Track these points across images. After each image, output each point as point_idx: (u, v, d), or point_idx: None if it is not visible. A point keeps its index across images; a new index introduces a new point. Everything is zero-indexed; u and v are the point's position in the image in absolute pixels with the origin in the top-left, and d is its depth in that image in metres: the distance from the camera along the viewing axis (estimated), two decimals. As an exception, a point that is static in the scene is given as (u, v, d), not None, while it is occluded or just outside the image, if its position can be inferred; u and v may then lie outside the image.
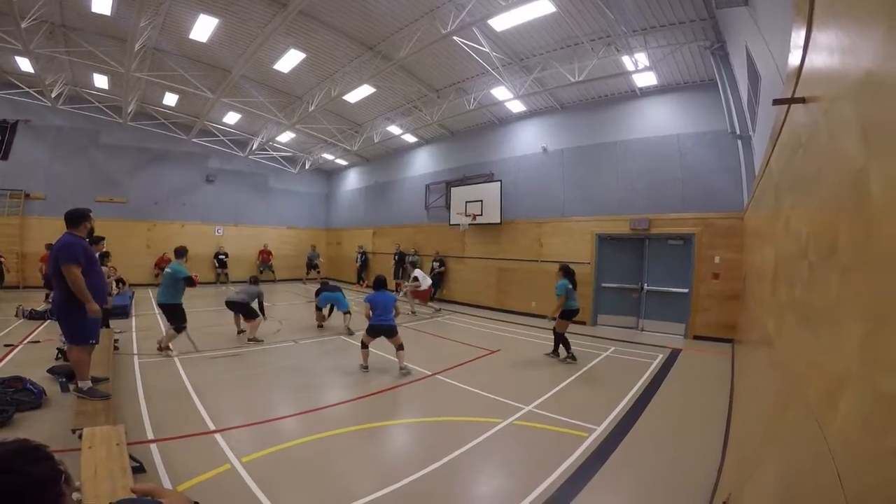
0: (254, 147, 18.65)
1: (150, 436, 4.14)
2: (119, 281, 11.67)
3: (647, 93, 10.53)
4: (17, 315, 9.44)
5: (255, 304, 8.49)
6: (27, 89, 13.89)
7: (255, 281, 8.99)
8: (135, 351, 7.28)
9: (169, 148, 17.89)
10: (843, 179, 1.14)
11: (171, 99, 15.36)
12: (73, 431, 3.50)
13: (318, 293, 9.91)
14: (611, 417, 4.95)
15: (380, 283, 7.02)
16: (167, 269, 7.16)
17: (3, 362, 6.23)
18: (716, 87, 8.57)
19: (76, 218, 4.48)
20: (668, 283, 9.98)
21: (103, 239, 6.87)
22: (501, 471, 3.81)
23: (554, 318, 7.61)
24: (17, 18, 8.60)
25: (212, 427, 4.41)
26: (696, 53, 8.84)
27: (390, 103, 14.20)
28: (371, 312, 6.64)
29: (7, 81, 13.90)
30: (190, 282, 7.08)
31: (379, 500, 3.23)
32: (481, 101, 12.19)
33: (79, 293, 4.19)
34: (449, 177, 15.64)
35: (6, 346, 7.08)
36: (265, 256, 19.60)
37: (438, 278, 14.64)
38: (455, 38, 9.14)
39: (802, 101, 1.81)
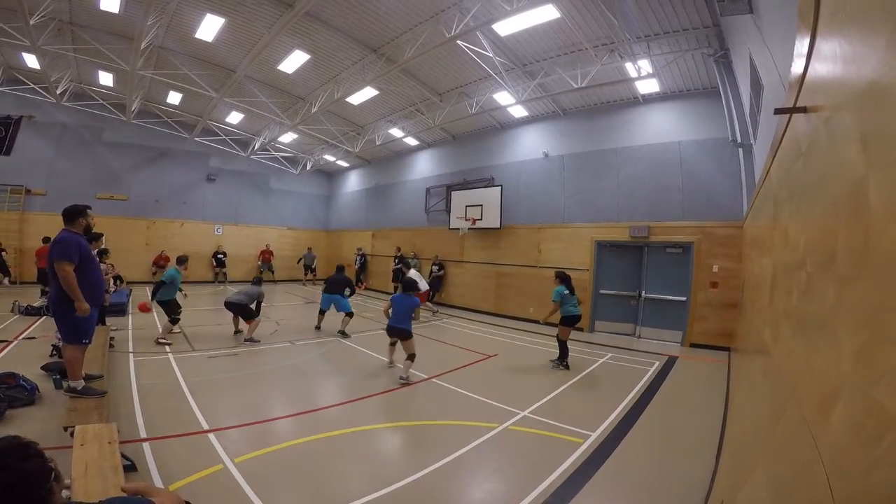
0: (256, 147, 18.68)
1: (143, 434, 4.12)
2: (117, 278, 11.65)
3: (649, 99, 10.56)
4: (12, 311, 9.41)
5: (253, 306, 8.45)
6: (33, 85, 13.94)
7: (258, 282, 8.91)
8: (130, 349, 7.26)
9: (171, 146, 17.92)
10: (842, 189, 1.13)
11: (174, 97, 15.40)
12: (66, 429, 3.48)
13: (323, 292, 9.72)
14: (606, 424, 4.93)
15: (408, 286, 6.96)
16: (165, 273, 8.04)
17: (-1, 357, 6.20)
18: (718, 94, 8.59)
19: (72, 214, 4.43)
20: (666, 290, 9.97)
21: (102, 235, 6.85)
22: (496, 475, 3.79)
23: (547, 322, 7.66)
24: (26, 15, 8.63)
25: (205, 427, 4.39)
26: (700, 61, 8.88)
27: (393, 106, 14.23)
28: (390, 313, 6.68)
29: (13, 77, 13.94)
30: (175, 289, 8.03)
31: (372, 502, 3.21)
32: (483, 106, 12.22)
33: (69, 291, 4.14)
34: (450, 180, 15.66)
35: (1, 341, 7.06)
36: (266, 256, 19.59)
37: (437, 282, 14.64)
38: (459, 42, 9.16)
39: (804, 110, 1.81)
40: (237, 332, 8.55)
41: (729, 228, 8.86)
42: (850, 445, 0.81)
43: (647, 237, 10.14)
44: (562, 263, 11.39)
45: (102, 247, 7.27)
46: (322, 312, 9.71)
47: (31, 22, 8.88)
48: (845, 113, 1.18)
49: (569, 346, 7.52)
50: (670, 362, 8.02)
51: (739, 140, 7.88)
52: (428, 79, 12.23)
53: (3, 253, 12.85)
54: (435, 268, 14.82)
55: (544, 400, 5.70)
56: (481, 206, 13.53)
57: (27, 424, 4.12)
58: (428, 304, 12.55)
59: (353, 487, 3.41)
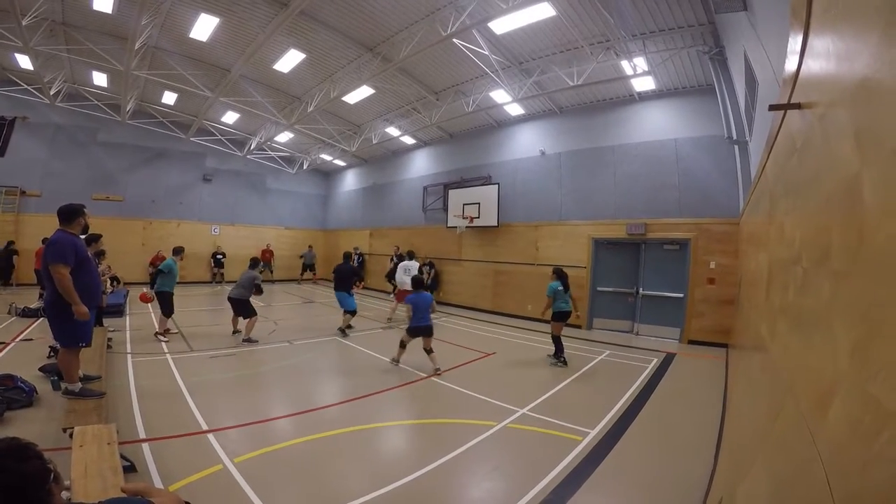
0: (252, 147, 18.63)
1: (142, 435, 4.12)
2: (114, 279, 11.61)
3: (645, 97, 10.58)
4: (9, 312, 9.38)
5: (252, 298, 8.40)
6: (26, 86, 13.85)
7: (254, 264, 8.80)
8: (128, 350, 7.24)
9: (167, 146, 17.85)
10: (836, 185, 1.14)
11: (169, 97, 15.33)
12: (65, 430, 3.47)
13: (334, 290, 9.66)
14: (605, 421, 4.95)
15: (418, 284, 6.99)
16: (163, 263, 8.27)
17: (-5, 360, 6.18)
18: (713, 92, 8.61)
19: (69, 214, 4.27)
20: (664, 287, 10.00)
21: (100, 237, 6.81)
22: (495, 473, 3.80)
23: (548, 320, 7.68)
24: (18, 16, 8.57)
25: (204, 427, 4.38)
26: (695, 58, 8.90)
27: (389, 105, 14.21)
28: (412, 314, 6.63)
29: (6, 78, 13.86)
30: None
31: (371, 501, 3.21)
32: (480, 104, 12.21)
33: (65, 294, 4.00)
34: (447, 179, 15.67)
35: (-2, 343, 7.04)
36: (267, 256, 19.50)
37: (433, 282, 14.55)
38: (455, 40, 9.16)
39: (798, 106, 1.82)
40: (235, 331, 8.54)
41: (725, 225, 8.89)
42: (848, 441, 0.82)
43: (644, 234, 10.16)
44: (559, 261, 11.38)
45: (101, 248, 7.22)
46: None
47: (24, 22, 8.83)
48: (839, 109, 1.18)
49: (563, 343, 7.60)
50: (668, 359, 8.05)
51: (735, 137, 7.91)
52: (424, 77, 12.22)
53: (15, 256, 12.93)
54: (426, 268, 14.41)
55: (543, 397, 5.72)
56: (478, 204, 13.54)
57: (26, 426, 4.10)
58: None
59: (353, 486, 3.42)
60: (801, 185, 1.74)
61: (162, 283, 8.16)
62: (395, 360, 6.87)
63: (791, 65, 2.06)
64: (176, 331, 8.29)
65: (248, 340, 8.11)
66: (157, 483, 3.29)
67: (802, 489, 1.08)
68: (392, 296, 12.53)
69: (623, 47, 8.74)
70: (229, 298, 8.44)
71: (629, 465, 3.98)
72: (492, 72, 10.38)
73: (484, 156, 14.48)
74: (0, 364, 5.93)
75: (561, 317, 7.52)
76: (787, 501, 1.22)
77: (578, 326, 10.89)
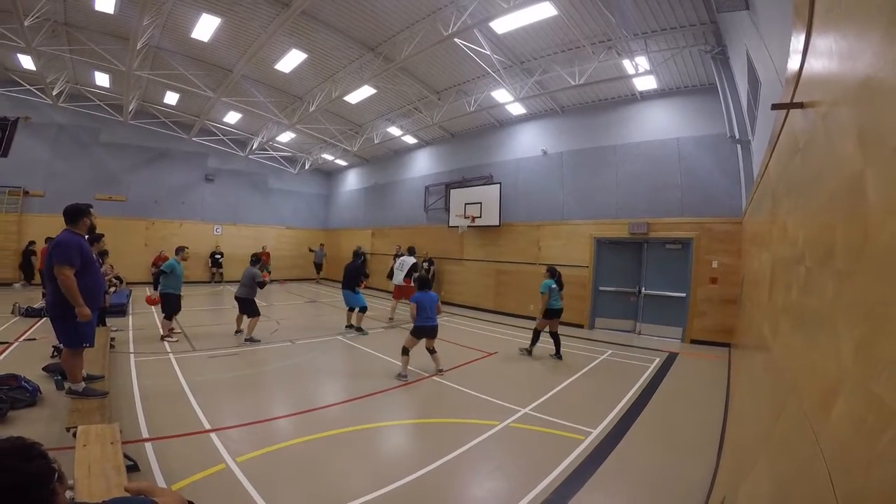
0: (254, 147, 18.65)
1: (145, 434, 4.12)
2: (116, 279, 11.64)
3: (647, 96, 10.56)
4: (13, 312, 9.41)
5: (255, 302, 8.40)
6: (28, 87, 13.88)
7: (255, 261, 8.77)
8: (131, 349, 7.26)
9: (169, 147, 17.90)
10: (840, 184, 1.14)
11: (171, 98, 15.37)
12: (68, 430, 3.49)
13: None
14: (607, 420, 4.94)
15: (423, 283, 6.82)
16: (165, 263, 8.24)
17: (-1, 359, 6.21)
18: (716, 91, 8.59)
19: (75, 214, 4.24)
20: (666, 287, 9.99)
21: (103, 236, 6.82)
22: (497, 473, 3.80)
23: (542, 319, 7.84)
24: (21, 16, 8.58)
25: (207, 426, 4.39)
26: (697, 57, 8.88)
27: (391, 104, 14.22)
28: (417, 313, 6.38)
29: (8, 79, 13.89)
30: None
31: (374, 501, 3.22)
32: (482, 104, 12.21)
33: (70, 296, 3.97)
34: (448, 178, 15.67)
35: (1, 343, 7.06)
36: (264, 258, 19.52)
37: (432, 280, 14.54)
38: (456, 40, 9.15)
39: (801, 105, 1.81)
40: (238, 331, 8.55)
41: (728, 224, 8.87)
42: (852, 440, 0.82)
43: (646, 233, 10.15)
44: (561, 260, 11.42)
45: (104, 248, 7.24)
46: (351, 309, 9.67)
47: (26, 23, 8.84)
48: (842, 108, 1.18)
49: (559, 340, 7.89)
50: (671, 359, 8.04)
51: (737, 136, 7.88)
52: (426, 77, 12.22)
53: (33, 256, 13.03)
54: (426, 264, 14.49)
55: (545, 397, 5.72)
56: (480, 203, 13.54)
57: (30, 425, 4.12)
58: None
59: (355, 486, 3.42)
60: (804, 184, 1.73)
61: (165, 285, 8.12)
62: (403, 375, 6.29)
63: (794, 64, 2.06)
64: (179, 331, 8.26)
65: (251, 340, 8.12)
66: (161, 482, 3.29)
67: (805, 489, 1.08)
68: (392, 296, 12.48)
69: (625, 46, 8.73)
70: (236, 297, 8.46)
71: (631, 464, 3.98)
72: (493, 71, 10.37)
73: (486, 155, 14.48)
74: (4, 364, 5.96)
75: (552, 314, 7.73)
76: (790, 501, 1.22)
77: (580, 326, 10.92)
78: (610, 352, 8.49)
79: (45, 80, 12.76)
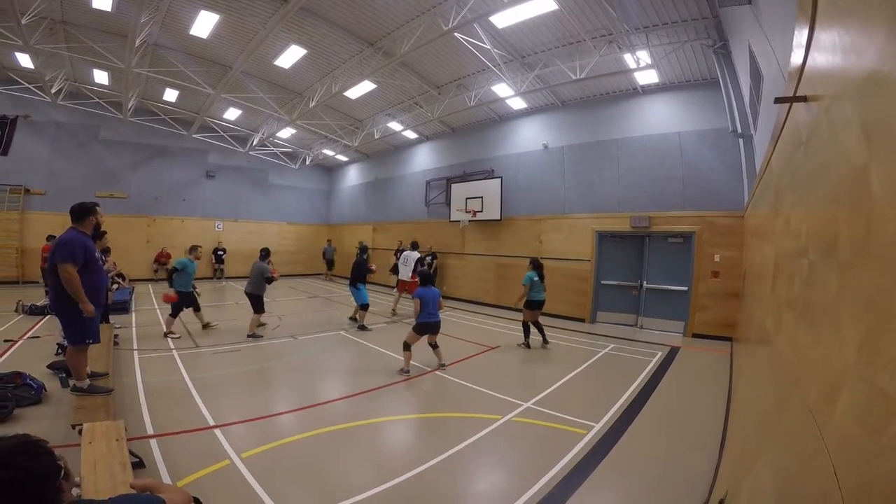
0: (254, 143, 18.62)
1: (150, 431, 4.15)
2: (119, 276, 11.67)
3: (648, 90, 10.51)
4: (16, 310, 9.44)
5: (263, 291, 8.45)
6: (27, 85, 13.85)
7: (265, 255, 8.78)
8: (135, 346, 7.29)
9: (169, 143, 17.88)
10: (843, 177, 1.14)
11: (171, 95, 15.33)
12: (73, 427, 3.51)
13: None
14: (609, 415, 4.96)
15: (426, 279, 6.83)
16: (177, 260, 8.42)
17: (3, 357, 6.24)
18: (718, 85, 8.55)
19: (82, 212, 4.25)
20: (668, 280, 9.99)
21: (105, 234, 6.81)
22: (500, 467, 3.82)
23: (518, 308, 8.27)
24: (17, 14, 8.54)
25: (211, 422, 4.42)
26: (699, 52, 8.83)
27: (391, 99, 14.17)
28: (420, 309, 6.40)
29: (7, 77, 13.86)
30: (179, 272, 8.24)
31: (377, 495, 3.24)
32: (482, 98, 12.16)
33: (72, 292, 3.98)
34: (449, 173, 15.64)
35: (6, 341, 7.09)
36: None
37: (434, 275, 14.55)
38: (456, 34, 9.11)
39: (804, 99, 1.81)
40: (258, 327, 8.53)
41: (730, 218, 8.85)
42: (856, 434, 0.82)
43: (648, 227, 10.13)
44: (563, 254, 11.45)
45: (106, 245, 7.25)
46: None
47: (23, 21, 8.80)
48: (845, 102, 1.18)
49: (543, 329, 8.27)
50: (672, 353, 8.05)
51: (740, 130, 7.85)
52: (426, 72, 12.18)
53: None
54: (428, 258, 14.53)
55: (547, 391, 5.73)
56: (481, 198, 13.53)
57: (35, 423, 4.14)
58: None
59: (358, 480, 3.44)
60: (807, 178, 1.73)
61: (178, 282, 8.20)
62: (405, 370, 6.35)
63: (797, 58, 2.05)
64: (178, 336, 8.15)
65: (253, 336, 8.15)
66: (166, 479, 3.32)
67: (809, 482, 1.09)
68: (395, 290, 12.53)
69: (626, 41, 8.68)
70: (246, 293, 8.51)
71: (634, 458, 3.99)
72: (493, 66, 10.33)
73: (486, 150, 14.44)
74: (8, 361, 6.01)
75: (535, 305, 8.07)
76: (794, 495, 1.22)
77: (582, 320, 10.93)
78: (612, 346, 8.50)
79: (44, 78, 12.71)
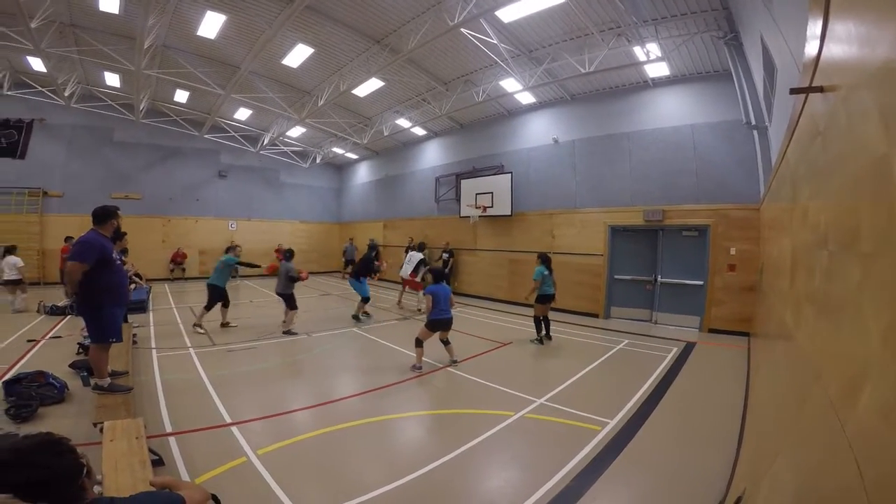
0: (265, 142, 18.76)
1: (168, 428, 4.22)
2: (136, 276, 11.87)
3: (659, 83, 10.36)
4: (38, 311, 9.65)
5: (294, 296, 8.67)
6: (41, 89, 14.12)
7: (289, 256, 9.02)
8: (153, 345, 7.41)
9: (181, 144, 18.12)
10: (863, 167, 1.11)
11: (182, 96, 15.51)
12: (95, 425, 3.57)
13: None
14: (624, 411, 4.92)
15: (438, 276, 6.92)
16: (224, 258, 8.92)
17: (26, 357, 6.38)
18: (730, 77, 8.40)
19: (103, 216, 4.37)
20: (683, 275, 9.86)
21: (125, 235, 6.92)
22: (513, 463, 3.82)
23: (530, 304, 8.30)
24: (26, 18, 8.70)
25: (228, 420, 4.48)
26: (710, 44, 8.67)
27: (399, 96, 14.17)
28: (433, 306, 6.42)
29: (21, 81, 14.17)
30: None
31: (390, 491, 3.26)
32: (490, 93, 12.11)
33: (68, 281, 4.13)
34: (459, 169, 15.61)
35: (28, 341, 7.26)
36: (279, 255, 19.65)
37: (449, 272, 14.61)
38: (462, 29, 9.06)
39: (820, 90, 1.78)
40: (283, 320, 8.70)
41: (745, 210, 8.71)
42: (880, 428, 0.80)
43: (661, 221, 10.01)
44: (575, 249, 11.38)
45: (124, 246, 7.37)
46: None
47: (32, 25, 8.95)
48: (863, 91, 1.15)
49: (549, 323, 8.39)
50: (688, 348, 7.95)
51: (754, 122, 7.72)
52: (433, 68, 12.15)
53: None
54: (445, 255, 14.81)
55: (561, 387, 5.71)
56: (491, 193, 13.49)
57: (58, 421, 4.23)
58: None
59: (372, 477, 3.47)
60: (825, 168, 1.70)
61: (217, 278, 8.79)
62: (418, 367, 6.36)
63: (811, 49, 2.02)
64: (203, 331, 8.38)
65: (288, 332, 8.38)
66: (184, 476, 3.37)
67: (831, 477, 1.07)
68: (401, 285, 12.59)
69: (635, 33, 8.57)
70: (277, 293, 8.80)
71: (649, 455, 3.96)
72: (501, 61, 10.26)
73: (496, 145, 14.39)
74: (31, 361, 6.15)
75: (545, 299, 8.12)
76: (815, 489, 1.21)
77: (595, 315, 10.86)
78: (626, 341, 8.43)
79: (57, 81, 12.95)
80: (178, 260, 17.47)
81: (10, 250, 10.02)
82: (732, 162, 9.08)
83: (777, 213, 4.34)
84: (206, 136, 18.23)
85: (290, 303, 8.55)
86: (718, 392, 5.72)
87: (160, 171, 17.69)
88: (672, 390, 5.71)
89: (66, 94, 13.99)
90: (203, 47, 11.59)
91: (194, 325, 8.52)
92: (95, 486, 1.49)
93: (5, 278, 9.75)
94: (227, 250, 9.16)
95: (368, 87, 12.70)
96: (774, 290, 3.91)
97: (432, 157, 17.26)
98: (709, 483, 3.41)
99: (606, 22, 8.80)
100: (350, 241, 20.30)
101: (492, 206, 13.47)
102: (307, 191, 22.33)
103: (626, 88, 11.02)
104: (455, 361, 6.64)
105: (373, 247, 10.56)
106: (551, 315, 8.53)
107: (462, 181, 14.80)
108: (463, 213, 14.51)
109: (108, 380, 4.43)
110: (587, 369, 6.62)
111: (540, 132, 12.96)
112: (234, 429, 4.27)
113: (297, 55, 11.60)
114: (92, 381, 4.48)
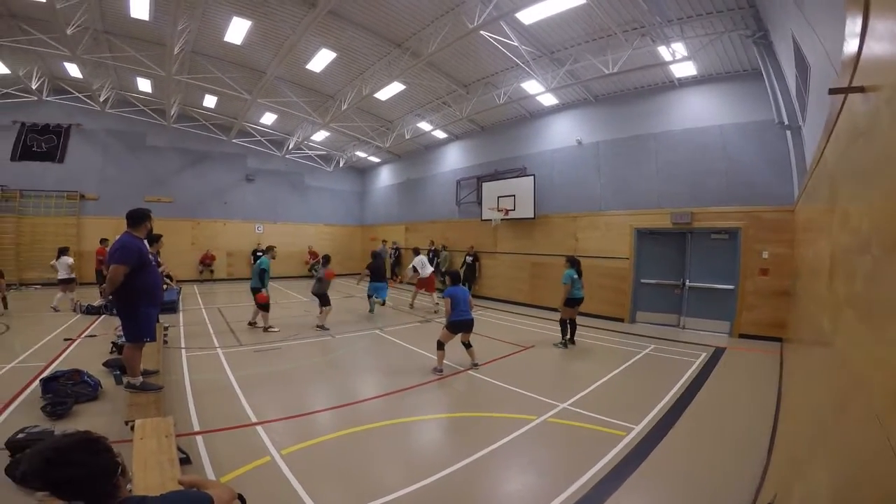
0: (290, 146, 19.15)
1: (196, 427, 4.31)
2: (168, 277, 12.21)
3: (685, 83, 10.14)
4: (74, 310, 10.01)
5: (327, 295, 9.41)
6: (77, 94, 14.78)
7: (326, 261, 9.81)
8: (182, 345, 7.60)
9: (210, 149, 18.62)
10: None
11: (210, 101, 15.99)
12: (126, 423, 3.67)
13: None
14: (650, 417, 4.81)
15: (456, 278, 6.96)
16: (261, 262, 9.07)
17: (63, 356, 6.62)
18: (759, 76, 8.17)
19: (137, 218, 4.51)
20: (712, 279, 9.58)
21: (161, 237, 7.11)
22: (533, 468, 3.77)
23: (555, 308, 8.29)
24: (63, 25, 9.12)
25: (253, 419, 4.55)
26: (738, 42, 8.45)
27: (420, 100, 14.25)
28: (452, 308, 6.43)
29: (59, 87, 14.85)
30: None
31: (411, 494, 3.26)
32: (511, 96, 12.07)
33: (110, 284, 4.23)
34: (480, 172, 15.59)
35: (65, 339, 7.53)
36: (313, 256, 19.81)
37: (471, 273, 14.64)
38: (482, 32, 9.07)
39: (861, 90, 1.70)
40: (318, 326, 9.22)
41: (779, 213, 8.42)
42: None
43: (689, 223, 9.77)
44: (600, 252, 11.22)
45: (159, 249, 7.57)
46: (370, 297, 11.15)
47: (68, 31, 9.37)
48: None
49: (576, 327, 8.29)
50: (717, 353, 7.73)
51: (787, 122, 7.48)
52: (453, 71, 12.20)
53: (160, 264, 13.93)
54: (469, 258, 14.88)
55: (584, 392, 5.62)
56: (513, 196, 13.41)
57: (92, 419, 4.36)
58: (435, 295, 11.97)
59: (394, 479, 3.48)
60: (868, 170, 1.63)
61: (254, 281, 9.00)
62: (439, 370, 6.37)
63: (850, 47, 1.94)
64: (277, 329, 8.90)
65: (321, 328, 9.02)
66: (210, 475, 3.43)
67: (873, 486, 1.02)
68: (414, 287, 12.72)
69: (659, 33, 8.41)
70: (313, 293, 9.54)
71: (675, 462, 3.86)
72: (522, 63, 10.21)
73: (518, 147, 14.30)
74: (67, 359, 6.37)
75: (574, 303, 8.05)
76: (856, 499, 1.16)
77: (621, 320, 10.67)
78: (652, 346, 8.25)
79: (92, 87, 13.57)
80: (206, 262, 17.92)
81: (63, 251, 10.52)
82: (763, 163, 8.81)
83: (814, 215, 4.18)
84: (233, 140, 18.70)
85: (324, 301, 9.13)
86: (748, 397, 5.55)
87: (190, 175, 18.20)
88: (700, 396, 5.55)
89: (101, 99, 14.61)
90: (230, 53, 11.91)
91: (265, 329, 8.87)
92: (127, 485, 1.53)
93: (60, 277, 10.26)
94: (267, 250, 9.58)
95: (390, 90, 12.83)
96: (810, 295, 3.77)
97: (453, 159, 17.28)
98: (736, 490, 3.31)
99: (630, 22, 8.67)
100: (383, 243, 20.31)
101: (514, 209, 13.39)
102: (331, 194, 22.62)
103: (651, 89, 10.82)
104: (476, 365, 6.61)
105: (392, 252, 11.05)
106: (579, 319, 8.40)
107: (483, 184, 14.77)
108: (484, 217, 14.48)
109: (140, 378, 4.56)
110: (612, 374, 6.50)
111: (563, 134, 12.83)
112: (258, 428, 4.34)
113: (321, 60, 11.80)
114: (124, 380, 4.61)
